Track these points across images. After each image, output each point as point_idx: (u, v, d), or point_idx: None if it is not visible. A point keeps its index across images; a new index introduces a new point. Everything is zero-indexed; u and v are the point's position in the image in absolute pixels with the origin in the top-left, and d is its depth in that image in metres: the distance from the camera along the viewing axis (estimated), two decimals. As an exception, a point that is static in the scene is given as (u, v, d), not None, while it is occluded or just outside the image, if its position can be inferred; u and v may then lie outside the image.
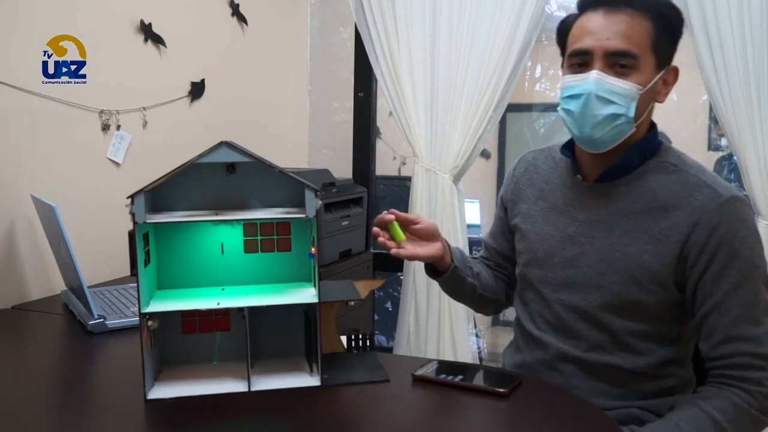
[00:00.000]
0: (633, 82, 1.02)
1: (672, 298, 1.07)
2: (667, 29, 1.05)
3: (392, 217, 1.12)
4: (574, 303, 1.12)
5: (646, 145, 1.10)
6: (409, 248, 1.13)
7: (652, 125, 1.13)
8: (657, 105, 1.11)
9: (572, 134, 1.11)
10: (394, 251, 1.11)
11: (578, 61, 1.06)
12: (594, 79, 1.02)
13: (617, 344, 1.09)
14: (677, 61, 1.10)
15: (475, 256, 1.41)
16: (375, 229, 1.12)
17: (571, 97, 1.06)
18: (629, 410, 1.09)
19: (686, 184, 1.06)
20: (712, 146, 3.65)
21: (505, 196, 1.30)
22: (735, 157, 2.00)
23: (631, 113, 1.03)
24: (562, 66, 1.13)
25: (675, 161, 1.09)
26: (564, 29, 1.11)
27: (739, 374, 1.01)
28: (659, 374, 1.10)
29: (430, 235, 1.17)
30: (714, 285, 1.02)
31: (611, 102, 1.03)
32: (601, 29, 1.03)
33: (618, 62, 1.02)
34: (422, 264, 1.25)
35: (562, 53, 1.13)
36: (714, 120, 3.34)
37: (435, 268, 1.23)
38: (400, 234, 1.13)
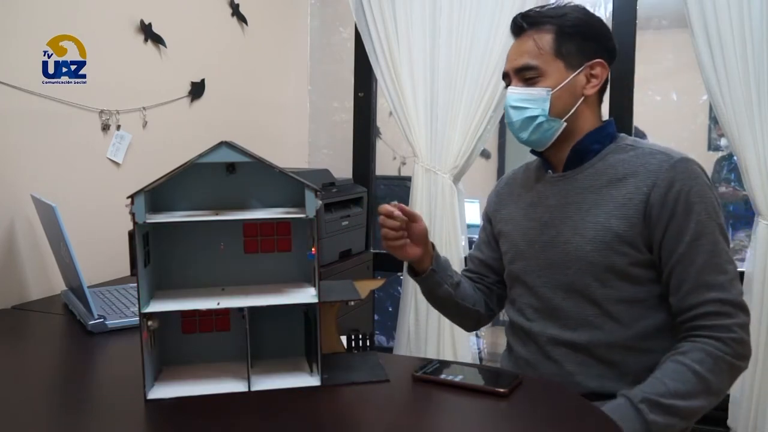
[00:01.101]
0: (541, 87, 1.20)
1: (644, 258, 1.15)
2: (570, 34, 1.20)
3: (399, 213, 1.22)
4: (557, 280, 1.21)
5: (603, 133, 1.24)
6: (406, 248, 1.27)
7: (608, 120, 1.27)
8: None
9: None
10: (393, 243, 1.24)
11: (506, 83, 1.27)
12: (508, 93, 1.23)
13: (604, 315, 1.16)
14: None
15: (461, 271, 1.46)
16: (382, 216, 1.23)
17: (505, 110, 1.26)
18: (623, 391, 1.10)
19: (641, 155, 1.19)
20: (712, 146, 3.65)
21: (488, 209, 1.42)
22: (735, 157, 2.00)
23: (546, 112, 1.20)
24: None
25: (631, 143, 1.23)
26: None
27: (709, 323, 1.09)
28: (650, 348, 1.15)
29: (422, 237, 1.27)
30: (677, 239, 1.12)
31: (524, 108, 1.21)
32: (512, 54, 1.24)
33: (525, 76, 1.21)
34: None
35: None
36: (714, 120, 3.33)
37: (415, 269, 1.34)
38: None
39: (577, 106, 1.22)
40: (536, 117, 1.20)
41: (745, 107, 1.92)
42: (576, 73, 1.20)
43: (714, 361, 1.06)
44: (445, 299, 1.34)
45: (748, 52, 1.90)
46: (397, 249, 1.26)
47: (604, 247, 1.15)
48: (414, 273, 1.34)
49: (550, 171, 1.28)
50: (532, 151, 1.31)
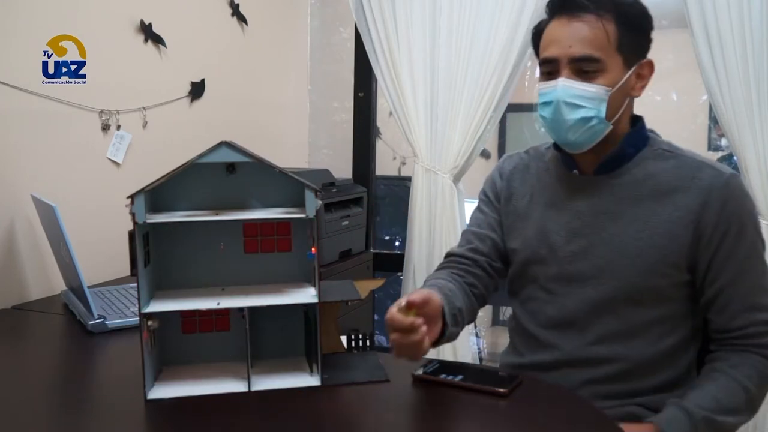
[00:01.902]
0: (600, 84, 1.06)
1: (682, 279, 1.10)
2: (632, 27, 1.07)
3: (419, 321, 0.95)
4: (584, 294, 1.12)
5: (637, 136, 1.14)
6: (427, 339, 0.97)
7: (638, 118, 1.16)
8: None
9: (552, 138, 1.16)
10: (413, 353, 0.97)
11: (547, 69, 1.10)
12: (561, 86, 1.07)
13: (631, 333, 1.10)
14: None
15: (449, 266, 1.25)
16: (394, 333, 0.96)
17: (544, 104, 1.10)
18: (627, 408, 1.10)
19: (686, 166, 1.09)
20: (712, 146, 3.65)
21: (494, 192, 1.27)
22: (735, 157, 2.00)
23: (602, 114, 1.07)
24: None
25: (668, 148, 1.14)
26: (536, 35, 1.14)
27: (757, 341, 1.06)
28: (663, 364, 1.11)
29: (436, 314, 1.03)
30: (727, 260, 1.06)
31: (580, 106, 1.06)
32: (565, 37, 1.06)
33: (583, 68, 1.06)
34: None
35: (538, 57, 1.15)
36: (714, 120, 3.34)
37: None
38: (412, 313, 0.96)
39: (624, 108, 1.11)
40: (591, 118, 1.07)
41: (745, 107, 1.92)
42: (631, 72, 1.09)
43: (760, 379, 1.05)
44: (456, 335, 1.12)
45: (748, 52, 1.90)
46: (418, 349, 0.97)
47: (646, 268, 1.07)
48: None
49: (576, 171, 1.17)
50: (557, 147, 1.18)
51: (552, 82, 1.08)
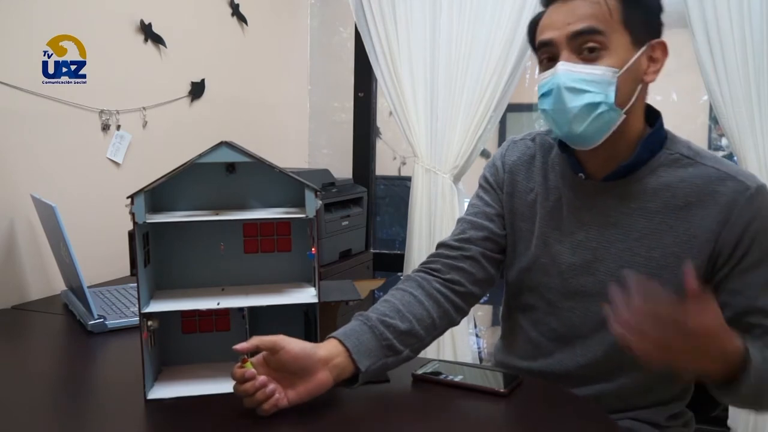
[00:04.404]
0: (605, 65, 0.94)
1: None
2: (638, 2, 0.96)
3: (250, 372, 0.86)
4: (588, 310, 1.04)
5: (655, 138, 1.01)
6: (273, 399, 0.86)
7: (656, 114, 1.04)
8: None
9: (556, 134, 1.04)
10: (265, 408, 0.86)
11: (546, 56, 0.99)
12: (561, 71, 0.95)
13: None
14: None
15: (424, 269, 1.13)
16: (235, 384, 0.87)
17: (544, 95, 0.99)
18: (620, 422, 1.05)
19: (707, 177, 0.97)
20: (712, 146, 3.64)
21: (496, 182, 1.16)
22: (735, 157, 2.00)
23: (611, 99, 0.95)
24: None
25: (687, 153, 1.01)
26: (532, 29, 1.05)
27: None
28: (662, 382, 1.06)
29: (302, 366, 0.88)
30: (745, 280, 0.95)
31: (584, 91, 0.94)
32: (562, 17, 0.96)
33: (585, 46, 0.94)
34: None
35: (536, 53, 1.05)
36: (714, 120, 3.34)
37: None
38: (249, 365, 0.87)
39: (636, 96, 0.98)
40: (598, 104, 0.94)
41: (745, 107, 1.92)
42: (641, 51, 0.96)
43: None
44: (406, 359, 1.00)
45: (748, 52, 1.90)
46: (265, 403, 0.86)
47: None
48: (347, 381, 0.93)
49: (581, 174, 1.05)
50: (561, 146, 1.06)
51: (551, 69, 0.97)
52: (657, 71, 0.99)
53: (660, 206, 0.99)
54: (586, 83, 0.94)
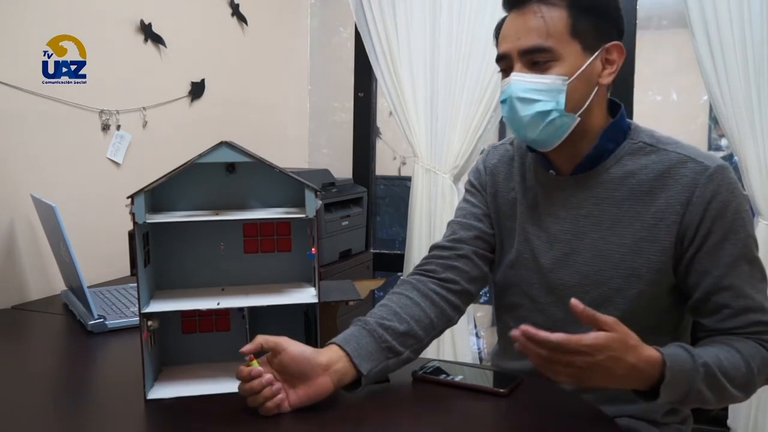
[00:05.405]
0: (555, 74, 0.99)
1: (670, 282, 1.03)
2: (589, 10, 1.00)
3: (256, 370, 0.88)
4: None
5: (616, 128, 1.06)
6: (277, 399, 0.88)
7: (616, 106, 1.09)
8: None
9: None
10: (268, 408, 0.88)
11: (503, 67, 1.05)
12: (513, 81, 1.01)
13: None
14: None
15: (419, 272, 1.15)
16: (239, 384, 0.90)
17: (502, 103, 1.05)
18: (617, 420, 1.05)
19: (668, 162, 1.02)
20: (712, 146, 3.65)
21: (480, 184, 1.21)
22: (735, 157, 2.00)
23: (561, 105, 1.00)
24: None
25: (650, 140, 1.06)
26: (496, 36, 1.09)
27: (758, 338, 0.98)
28: None
29: (301, 370, 0.90)
30: (712, 260, 0.99)
31: (535, 100, 1.00)
32: (514, 31, 1.02)
33: (534, 59, 1.00)
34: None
35: None
36: (714, 120, 3.34)
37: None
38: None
39: (591, 98, 1.03)
40: (549, 112, 1.00)
41: (745, 107, 1.92)
42: (593, 57, 1.01)
43: (762, 363, 0.96)
44: (406, 361, 1.02)
45: (748, 52, 1.90)
46: (269, 404, 0.88)
47: (633, 275, 1.02)
48: (350, 386, 0.95)
49: (552, 171, 1.10)
50: (530, 149, 1.12)
51: (506, 80, 1.03)
52: (612, 73, 1.04)
53: (626, 194, 1.03)
54: (536, 92, 1.00)
